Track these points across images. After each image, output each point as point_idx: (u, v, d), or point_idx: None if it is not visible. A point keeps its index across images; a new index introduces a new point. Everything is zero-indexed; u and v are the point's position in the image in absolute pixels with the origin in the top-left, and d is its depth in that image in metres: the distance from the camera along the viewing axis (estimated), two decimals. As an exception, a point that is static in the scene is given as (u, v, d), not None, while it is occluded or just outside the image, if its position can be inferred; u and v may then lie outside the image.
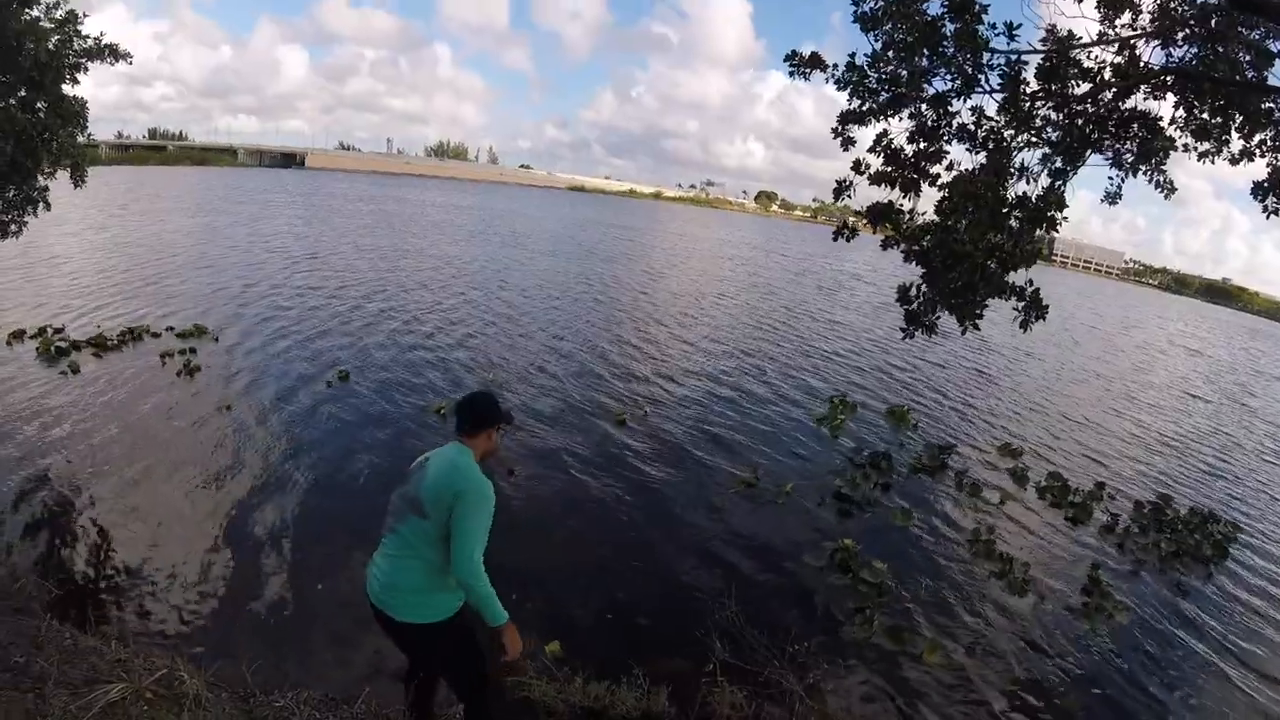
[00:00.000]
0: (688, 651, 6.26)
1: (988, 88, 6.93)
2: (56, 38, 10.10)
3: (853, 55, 6.88)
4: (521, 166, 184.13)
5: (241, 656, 5.58)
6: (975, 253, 6.67)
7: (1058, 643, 7.76)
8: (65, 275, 20.69)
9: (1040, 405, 19.14)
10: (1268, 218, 7.45)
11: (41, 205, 11.09)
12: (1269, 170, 7.24)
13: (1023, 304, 6.97)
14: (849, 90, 6.84)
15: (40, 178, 10.79)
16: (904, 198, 7.21)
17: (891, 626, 7.37)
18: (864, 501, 10.67)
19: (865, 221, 7.47)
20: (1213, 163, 7.62)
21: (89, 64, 10.64)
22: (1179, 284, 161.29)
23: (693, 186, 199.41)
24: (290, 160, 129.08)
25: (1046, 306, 6.98)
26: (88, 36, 10.53)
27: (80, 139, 11.18)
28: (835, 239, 7.31)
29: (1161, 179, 7.11)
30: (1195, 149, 7.46)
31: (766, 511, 10.02)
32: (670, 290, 30.94)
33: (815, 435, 13.69)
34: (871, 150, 7.21)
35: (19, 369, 12.39)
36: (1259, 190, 7.32)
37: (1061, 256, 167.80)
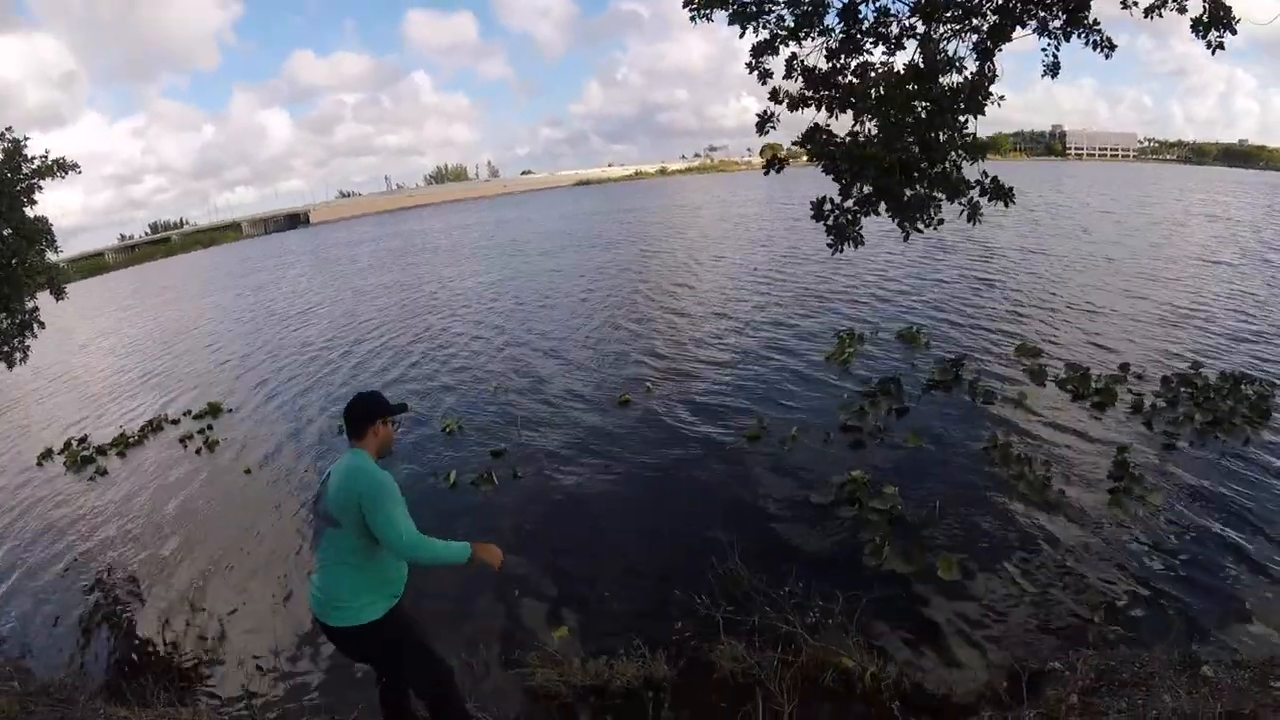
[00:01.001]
0: (690, 613, 6.20)
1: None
2: (4, 166, 10.55)
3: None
4: (524, 173, 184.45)
5: (261, 698, 6.10)
6: (926, 154, 6.46)
7: (1081, 536, 7.41)
8: (82, 387, 21.57)
9: (1055, 301, 18.34)
10: (1213, 53, 7.10)
11: (36, 326, 11.63)
12: (1206, 4, 6.88)
13: (980, 195, 6.69)
14: (742, 23, 6.63)
15: (26, 301, 11.28)
16: (831, 118, 6.97)
17: (904, 550, 7.17)
18: (873, 431, 10.44)
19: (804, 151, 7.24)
20: (1160, 15, 7.27)
21: (41, 183, 11.10)
22: (1197, 154, 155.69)
23: (696, 155, 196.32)
24: (295, 221, 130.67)
25: (1010, 189, 6.68)
26: (34, 158, 10.98)
27: (50, 256, 11.80)
28: (766, 173, 7.12)
29: (1099, 39, 6.78)
30: (1135, 4, 7.08)
31: (771, 460, 9.89)
32: (666, 264, 30.54)
33: (824, 374, 13.46)
34: (787, 76, 6.98)
35: (51, 485, 12.95)
36: (1198, 26, 6.95)
37: (1075, 149, 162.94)
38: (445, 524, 9.06)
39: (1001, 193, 6.36)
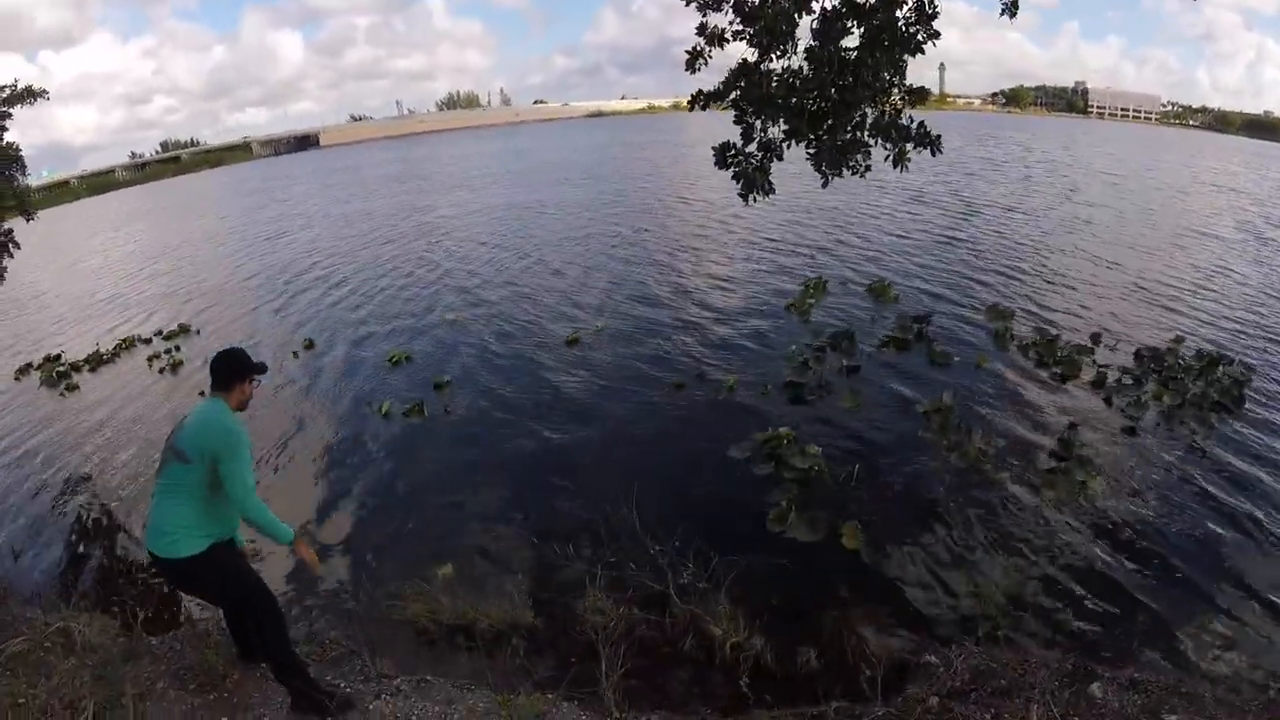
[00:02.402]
0: (571, 562, 6.14)
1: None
2: None
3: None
4: (536, 102, 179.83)
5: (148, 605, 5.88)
6: (861, 94, 6.04)
7: (1003, 519, 7.03)
8: (65, 304, 21.94)
9: (1036, 264, 17.53)
10: None
11: (12, 247, 12.15)
12: None
13: (909, 143, 6.28)
14: None
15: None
16: (763, 58, 6.50)
17: (810, 517, 6.90)
18: (815, 386, 10.13)
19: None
20: None
21: (11, 111, 11.38)
22: (1221, 122, 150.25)
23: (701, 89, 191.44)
24: (305, 142, 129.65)
25: (938, 137, 6.26)
26: (4, 87, 11.26)
27: (20, 181, 12.25)
28: (691, 108, 6.69)
29: None
30: None
31: (700, 410, 9.71)
32: (647, 204, 29.57)
33: (782, 323, 13.15)
34: (715, 8, 6.49)
35: (26, 398, 13.49)
36: None
37: (1098, 107, 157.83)
38: (369, 453, 9.09)
39: (928, 140, 5.95)
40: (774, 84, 5.86)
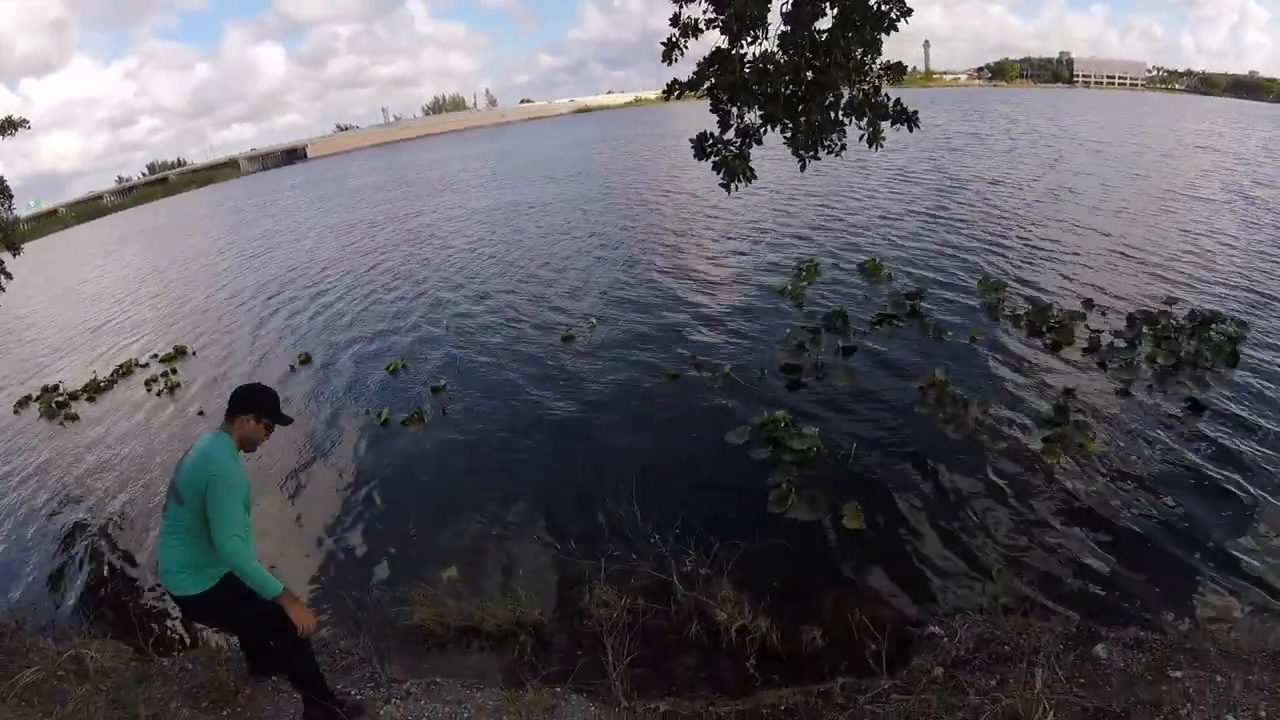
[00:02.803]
0: (576, 560, 6.16)
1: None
2: None
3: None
4: (522, 101, 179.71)
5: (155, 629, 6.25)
6: (835, 75, 6.04)
7: (1002, 488, 7.04)
8: (59, 333, 21.93)
9: (1025, 235, 17.47)
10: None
11: (3, 278, 11.84)
12: None
13: (885, 120, 6.28)
14: None
15: None
16: (736, 45, 6.49)
17: (811, 498, 6.92)
18: (811, 368, 10.18)
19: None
20: None
21: None
22: (1206, 84, 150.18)
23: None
24: (293, 156, 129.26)
25: (915, 113, 6.25)
26: None
27: (6, 214, 12.24)
28: (667, 99, 6.70)
29: None
30: None
31: (697, 400, 9.72)
32: (634, 198, 29.61)
33: (775, 307, 13.17)
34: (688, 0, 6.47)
35: (26, 431, 13.45)
36: None
37: (1084, 76, 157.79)
38: (371, 461, 9.14)
39: (905, 116, 5.95)
40: (746, 70, 5.84)
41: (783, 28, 6.10)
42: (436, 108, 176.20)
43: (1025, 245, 16.48)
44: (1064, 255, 15.60)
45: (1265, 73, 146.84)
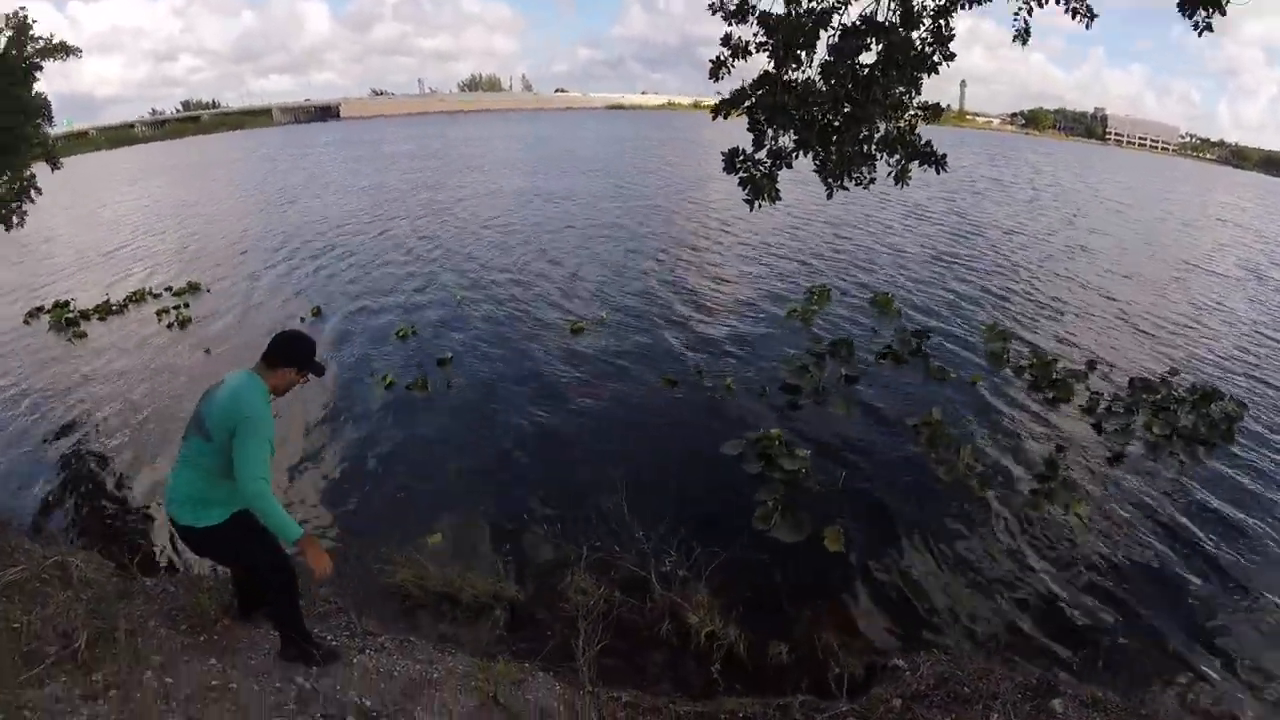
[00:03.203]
0: (560, 542, 6.33)
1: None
2: (9, 46, 11.16)
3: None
4: (558, 90, 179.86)
5: (158, 550, 6.53)
6: (873, 110, 6.18)
7: (984, 535, 7.15)
8: (77, 255, 22.07)
9: (1037, 287, 17.73)
10: (1200, 35, 6.71)
11: (34, 192, 12.49)
12: None
13: (913, 160, 6.41)
14: None
15: (24, 170, 12.14)
16: (782, 70, 6.62)
17: (795, 518, 7.05)
18: (811, 392, 10.29)
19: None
20: None
21: (43, 63, 11.71)
22: (1238, 157, 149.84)
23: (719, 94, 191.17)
24: (325, 113, 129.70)
25: (943, 156, 6.38)
26: (39, 39, 11.55)
27: (47, 130, 12.65)
28: (714, 118, 6.82)
29: (1079, 6, 6.39)
30: None
31: (698, 406, 9.86)
32: (659, 201, 29.76)
33: (783, 328, 13.30)
34: (741, 20, 6.60)
35: (35, 341, 13.70)
36: (1185, 6, 6.55)
37: (1115, 134, 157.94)
38: (371, 422, 9.27)
39: (933, 158, 6.09)
40: (787, 94, 5.97)
41: (826, 57, 6.24)
42: (473, 85, 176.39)
43: (1032, 298, 16.63)
44: (1070, 313, 15.75)
45: None
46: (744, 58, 6.36)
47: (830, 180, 6.28)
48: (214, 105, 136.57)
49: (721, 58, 6.50)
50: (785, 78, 6.06)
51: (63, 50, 11.71)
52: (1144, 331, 14.86)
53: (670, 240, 21.41)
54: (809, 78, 6.12)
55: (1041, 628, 5.93)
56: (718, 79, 6.57)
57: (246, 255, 20.27)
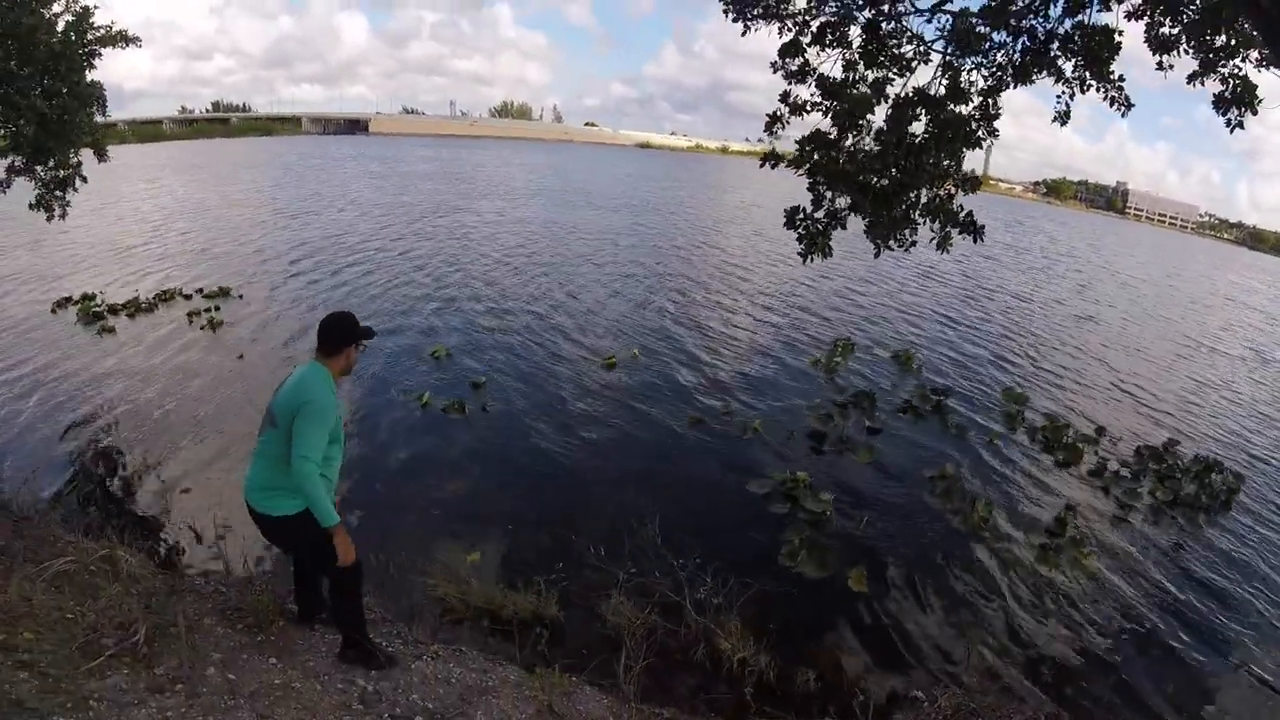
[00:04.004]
0: (597, 568, 6.57)
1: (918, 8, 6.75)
2: (69, 31, 10.93)
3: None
4: (587, 124, 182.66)
5: (201, 548, 6.70)
6: (912, 178, 6.59)
7: (997, 583, 7.50)
8: (102, 248, 22.11)
9: (1035, 353, 18.24)
10: (1232, 131, 7.15)
11: (79, 180, 12.02)
12: (1233, 79, 6.93)
13: (954, 228, 6.82)
14: (746, 20, 6.77)
15: (71, 155, 11.73)
16: (835, 129, 7.06)
17: (820, 557, 7.37)
18: (836, 439, 10.63)
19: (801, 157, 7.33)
20: (1202, 84, 7.29)
21: (102, 50, 11.47)
22: (1255, 239, 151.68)
23: (760, 140, 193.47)
24: (355, 126, 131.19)
25: (982, 227, 6.80)
26: (100, 27, 11.37)
27: (99, 119, 12.16)
28: (761, 166, 7.25)
29: (1117, 95, 6.85)
30: (1170, 68, 7.13)
31: (727, 445, 10.16)
32: (688, 242, 30.49)
33: (807, 376, 13.69)
34: (800, 81, 7.07)
35: (62, 333, 13.70)
36: (1220, 103, 7.02)
37: (1135, 209, 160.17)
38: (409, 439, 9.54)
39: (973, 228, 6.48)
40: (846, 160, 6.39)
41: (882, 125, 6.67)
42: (504, 111, 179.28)
43: (1040, 364, 17.09)
44: (1076, 380, 16.20)
45: None
46: (802, 115, 6.81)
47: (878, 241, 6.67)
48: (244, 108, 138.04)
49: (779, 113, 6.96)
50: (845, 144, 6.45)
51: (123, 39, 11.48)
52: (1146, 403, 15.29)
53: (699, 284, 21.77)
54: (865, 145, 6.54)
55: (1051, 671, 6.27)
56: (774, 134, 7.04)
57: (271, 263, 20.54)
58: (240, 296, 16.57)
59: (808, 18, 6.83)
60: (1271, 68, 6.11)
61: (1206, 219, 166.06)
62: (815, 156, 6.62)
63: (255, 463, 3.91)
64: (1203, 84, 7.20)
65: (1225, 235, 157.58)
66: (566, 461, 9.35)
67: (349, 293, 17.54)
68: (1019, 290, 27.53)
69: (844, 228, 6.85)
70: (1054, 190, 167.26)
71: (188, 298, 16.19)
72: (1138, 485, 10.39)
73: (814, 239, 6.76)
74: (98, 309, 14.80)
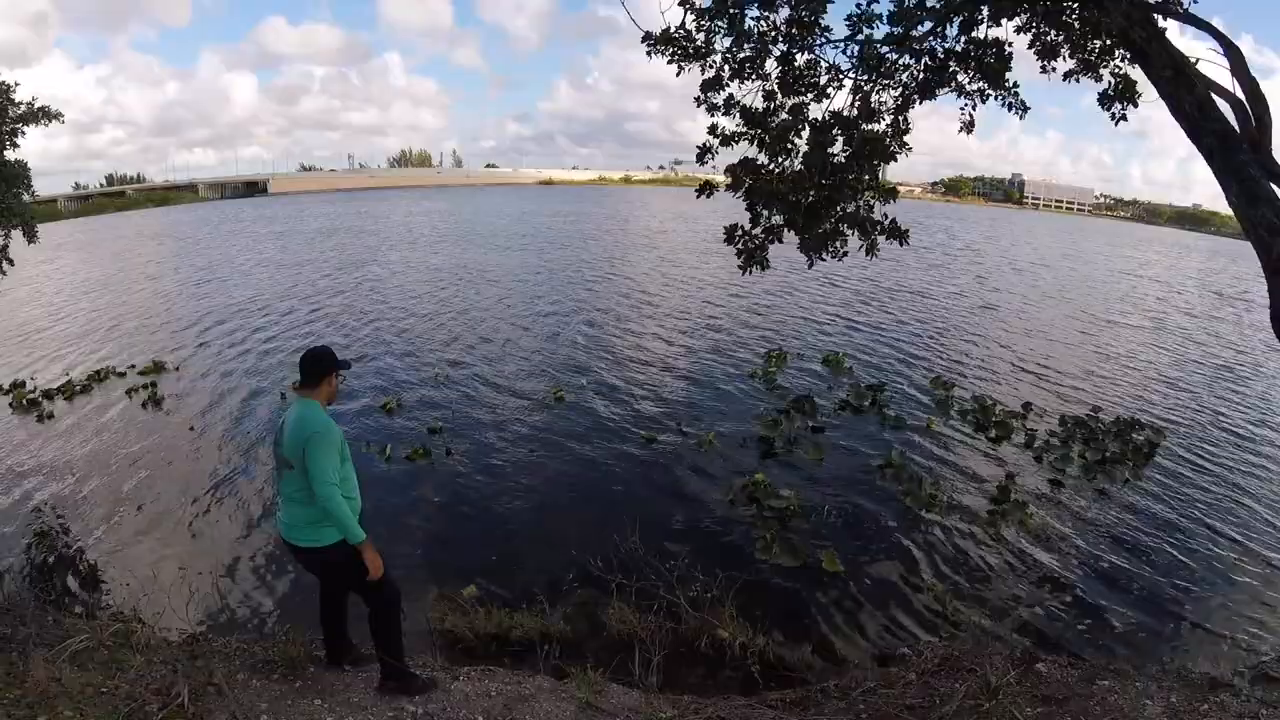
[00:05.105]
0: (588, 582, 6.99)
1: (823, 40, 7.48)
2: None
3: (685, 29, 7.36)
4: (487, 166, 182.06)
5: (196, 615, 6.71)
6: (836, 195, 7.28)
7: (955, 547, 8.41)
8: (29, 333, 21.39)
9: (954, 342, 19.74)
10: (1116, 124, 8.01)
11: (5, 263, 11.96)
12: (1113, 79, 7.76)
13: (881, 235, 7.51)
14: (682, 63, 7.39)
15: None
16: (761, 153, 7.71)
17: (791, 546, 8.04)
18: (785, 441, 11.33)
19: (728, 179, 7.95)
20: (1078, 81, 8.18)
21: (25, 128, 11.35)
22: (1150, 214, 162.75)
23: (661, 167, 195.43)
24: (253, 188, 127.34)
25: (906, 230, 7.49)
26: (21, 104, 11.20)
27: (25, 198, 11.94)
28: (698, 196, 7.84)
29: (1015, 101, 7.62)
30: (1052, 69, 7.91)
31: (686, 459, 10.76)
32: (614, 271, 31.40)
33: (748, 387, 14.46)
34: (725, 114, 7.71)
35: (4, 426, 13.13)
36: (1105, 100, 7.81)
37: (1032, 198, 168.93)
38: (379, 492, 9.67)
39: (898, 233, 7.22)
40: (779, 182, 7.06)
41: (804, 148, 7.37)
42: (403, 161, 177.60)
43: (951, 355, 18.35)
44: (986, 367, 17.43)
45: (1208, 206, 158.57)
46: (731, 145, 7.46)
47: (810, 253, 7.35)
48: (138, 179, 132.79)
49: (708, 144, 7.59)
50: (774, 168, 7.13)
51: (44, 115, 11.35)
52: (1059, 379, 16.71)
53: (608, 314, 22.26)
54: (793, 166, 7.23)
55: (1018, 615, 7.16)
56: (703, 163, 7.67)
57: (194, 333, 20.16)
58: (176, 369, 16.28)
59: (728, 56, 7.46)
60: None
61: (1102, 200, 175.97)
62: (748, 181, 7.26)
63: (286, 506, 4.11)
64: (1078, 81, 8.13)
65: (1122, 214, 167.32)
66: (538, 489, 9.75)
67: (283, 357, 17.23)
68: (923, 288, 29.33)
69: (781, 241, 7.49)
70: (952, 188, 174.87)
71: (121, 375, 15.82)
72: (1067, 450, 11.51)
73: (752, 254, 7.42)
74: (31, 396, 14.36)
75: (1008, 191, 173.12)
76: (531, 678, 5.01)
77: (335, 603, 4.70)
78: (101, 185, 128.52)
